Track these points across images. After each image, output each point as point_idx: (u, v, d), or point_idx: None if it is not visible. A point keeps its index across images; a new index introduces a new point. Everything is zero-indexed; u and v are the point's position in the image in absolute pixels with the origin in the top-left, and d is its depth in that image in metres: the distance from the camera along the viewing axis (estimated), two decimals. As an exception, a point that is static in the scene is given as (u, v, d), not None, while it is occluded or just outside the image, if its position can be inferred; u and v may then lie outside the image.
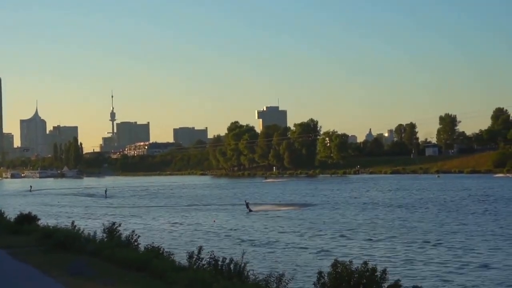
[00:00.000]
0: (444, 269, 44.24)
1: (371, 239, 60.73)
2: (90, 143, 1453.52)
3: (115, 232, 37.38)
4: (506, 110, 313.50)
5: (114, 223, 38.12)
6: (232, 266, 26.64)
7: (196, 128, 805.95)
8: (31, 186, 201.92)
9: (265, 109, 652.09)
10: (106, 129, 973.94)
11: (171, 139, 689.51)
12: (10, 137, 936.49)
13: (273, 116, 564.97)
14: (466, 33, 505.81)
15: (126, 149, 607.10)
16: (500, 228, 67.08)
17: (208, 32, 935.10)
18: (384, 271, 22.15)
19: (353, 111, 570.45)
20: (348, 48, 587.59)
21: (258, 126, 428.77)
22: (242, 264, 26.74)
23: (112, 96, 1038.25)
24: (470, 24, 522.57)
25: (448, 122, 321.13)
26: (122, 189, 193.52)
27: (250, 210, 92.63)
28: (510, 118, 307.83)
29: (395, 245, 56.56)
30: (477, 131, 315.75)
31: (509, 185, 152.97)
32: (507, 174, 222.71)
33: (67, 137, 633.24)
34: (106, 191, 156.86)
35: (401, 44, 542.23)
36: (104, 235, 37.67)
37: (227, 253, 43.69)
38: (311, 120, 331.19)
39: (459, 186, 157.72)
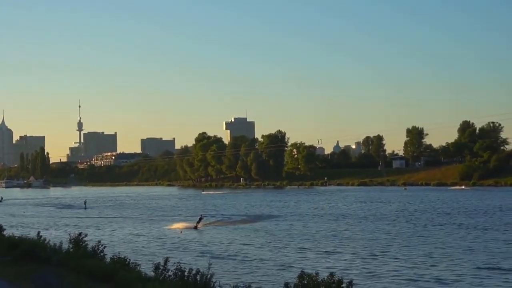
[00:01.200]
0: (404, 281, 44.65)
1: (334, 251, 61.12)
2: (57, 153, 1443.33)
3: (81, 243, 37.18)
4: (473, 123, 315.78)
5: (80, 234, 37.92)
6: (198, 277, 26.64)
7: (163, 139, 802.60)
8: (1, 198, 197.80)
9: (233, 120, 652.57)
10: (73, 139, 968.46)
11: (138, 150, 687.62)
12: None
13: (241, 127, 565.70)
14: (432, 46, 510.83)
15: (93, 159, 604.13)
16: (462, 240, 67.74)
17: (175, 43, 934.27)
18: (350, 283, 22.27)
19: (320, 123, 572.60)
20: (315, 62, 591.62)
21: (226, 137, 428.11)
22: (209, 276, 26.75)
23: (79, 106, 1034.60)
24: (436, 38, 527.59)
25: (415, 134, 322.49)
26: (94, 200, 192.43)
27: (196, 227, 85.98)
28: (477, 131, 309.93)
29: (359, 256, 56.95)
30: (444, 144, 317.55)
31: (471, 197, 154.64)
32: (462, 187, 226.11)
33: (34, 147, 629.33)
34: (85, 202, 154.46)
35: (368, 57, 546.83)
36: (70, 245, 37.47)
37: (194, 264, 43.68)
38: (279, 131, 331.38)
39: (424, 198, 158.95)
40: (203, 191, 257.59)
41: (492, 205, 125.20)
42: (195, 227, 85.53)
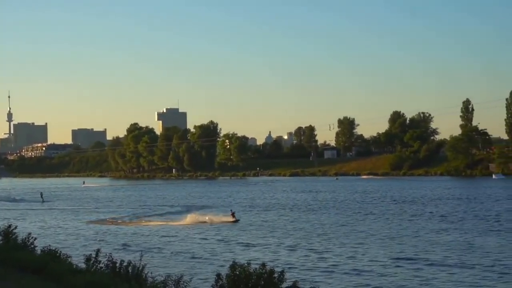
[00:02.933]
0: (337, 270, 45.10)
1: (267, 242, 61.37)
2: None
3: (11, 235, 36.61)
4: (403, 114, 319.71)
5: (10, 225, 37.31)
6: (130, 268, 26.49)
7: (95, 130, 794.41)
8: None
9: (165, 111, 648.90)
10: (3, 130, 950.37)
11: (69, 141, 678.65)
12: None
13: (173, 118, 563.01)
14: (360, 38, 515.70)
15: (23, 150, 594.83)
16: (390, 229, 68.66)
17: (108, 31, 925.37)
18: (282, 273, 22.33)
19: (253, 114, 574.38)
20: (248, 51, 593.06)
21: (158, 128, 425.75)
22: (140, 267, 26.61)
23: (9, 97, 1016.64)
24: (364, 29, 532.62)
25: (347, 125, 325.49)
26: (23, 191, 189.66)
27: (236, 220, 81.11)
28: (407, 121, 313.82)
29: (290, 246, 57.33)
30: (375, 134, 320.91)
31: (395, 186, 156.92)
32: (369, 176, 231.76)
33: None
34: (42, 194, 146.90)
35: (299, 46, 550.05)
36: (0, 237, 36.87)
37: (126, 257, 43.41)
38: (211, 122, 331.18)
39: (357, 188, 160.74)
40: (83, 183, 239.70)
41: (421, 194, 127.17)
42: (235, 221, 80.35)
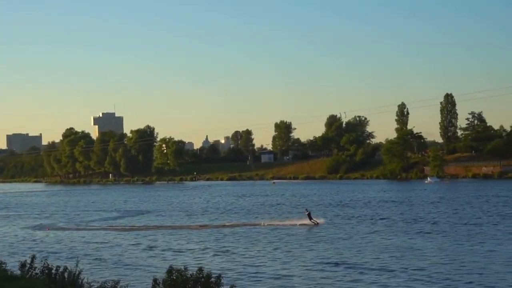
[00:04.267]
0: (269, 274, 45.36)
1: (204, 247, 61.45)
2: None
3: None
4: (340, 117, 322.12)
5: None
6: (66, 274, 26.30)
7: (30, 135, 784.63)
8: None
9: (101, 115, 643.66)
10: None
11: (3, 145, 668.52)
12: None
13: (109, 123, 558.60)
14: (295, 41, 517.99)
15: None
16: (325, 233, 69.19)
17: (42, 34, 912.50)
18: (219, 277, 22.44)
19: (190, 118, 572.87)
20: (184, 55, 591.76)
21: (94, 133, 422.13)
22: (77, 273, 26.45)
23: None
24: (299, 33, 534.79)
25: (283, 129, 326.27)
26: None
27: (317, 223, 76.79)
28: (344, 125, 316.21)
29: (226, 251, 57.48)
30: (312, 138, 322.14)
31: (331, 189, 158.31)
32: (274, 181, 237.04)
33: None
34: None
35: (235, 50, 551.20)
36: None
37: (62, 262, 43.03)
38: (148, 126, 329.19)
39: (294, 191, 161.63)
40: None
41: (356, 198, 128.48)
42: (316, 224, 76.62)
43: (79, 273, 26.62)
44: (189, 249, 59.31)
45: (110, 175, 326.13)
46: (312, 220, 76.83)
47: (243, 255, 54.76)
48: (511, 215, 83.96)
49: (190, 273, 22.33)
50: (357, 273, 44.78)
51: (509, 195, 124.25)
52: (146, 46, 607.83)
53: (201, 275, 22.15)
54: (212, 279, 22.23)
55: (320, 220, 78.95)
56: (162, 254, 57.01)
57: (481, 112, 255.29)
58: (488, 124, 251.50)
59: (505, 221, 76.35)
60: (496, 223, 74.28)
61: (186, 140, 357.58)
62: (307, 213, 78.77)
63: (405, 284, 41.12)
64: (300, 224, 76.54)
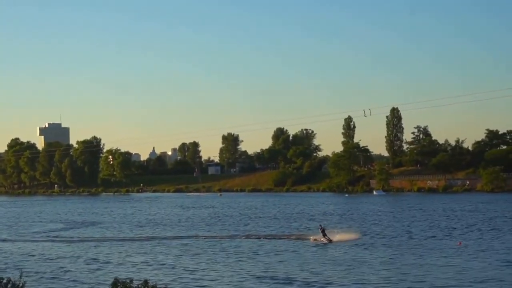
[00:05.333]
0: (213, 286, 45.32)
1: (154, 258, 61.19)
2: None
3: None
4: (286, 130, 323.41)
5: None
6: (9, 286, 25.98)
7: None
8: None
9: (47, 125, 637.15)
10: None
11: None
12: None
13: (55, 133, 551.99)
14: (245, 52, 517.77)
15: None
16: (270, 246, 69.32)
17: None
18: (164, 289, 22.37)
19: (137, 129, 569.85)
20: (131, 66, 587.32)
21: (40, 143, 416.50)
22: (20, 284, 26.14)
23: None
24: (247, 45, 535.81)
25: (231, 141, 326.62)
26: None
27: (330, 240, 70.80)
28: (290, 138, 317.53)
29: (172, 264, 57.28)
30: (259, 150, 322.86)
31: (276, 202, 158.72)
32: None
33: None
34: None
35: (185, 62, 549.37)
36: None
37: (5, 273, 42.51)
38: (94, 137, 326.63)
39: (240, 204, 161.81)
40: None
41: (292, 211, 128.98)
42: (330, 241, 70.23)
43: (23, 285, 26.30)
44: (135, 261, 58.94)
45: (56, 186, 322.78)
46: (326, 237, 70.80)
47: (190, 267, 54.56)
48: (454, 228, 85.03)
49: (136, 285, 22.22)
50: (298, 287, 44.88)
51: (454, 208, 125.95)
52: (91, 57, 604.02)
53: (146, 287, 22.06)
54: (158, 291, 22.14)
55: (336, 237, 72.01)
56: (107, 266, 56.58)
57: (427, 126, 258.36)
58: (433, 138, 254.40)
59: (445, 235, 77.27)
60: (441, 237, 75.06)
61: (133, 152, 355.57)
62: (321, 229, 72.69)
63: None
64: (314, 240, 71.63)
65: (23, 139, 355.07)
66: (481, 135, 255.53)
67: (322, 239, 70.54)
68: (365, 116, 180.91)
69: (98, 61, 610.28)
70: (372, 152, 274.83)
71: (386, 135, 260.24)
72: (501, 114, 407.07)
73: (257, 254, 62.04)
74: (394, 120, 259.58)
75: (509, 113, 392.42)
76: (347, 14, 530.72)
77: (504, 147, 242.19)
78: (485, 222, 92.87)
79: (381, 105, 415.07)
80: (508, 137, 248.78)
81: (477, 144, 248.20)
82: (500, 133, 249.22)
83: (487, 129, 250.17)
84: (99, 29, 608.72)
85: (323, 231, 71.74)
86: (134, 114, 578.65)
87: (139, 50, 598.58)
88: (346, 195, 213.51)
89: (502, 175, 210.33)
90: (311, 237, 73.11)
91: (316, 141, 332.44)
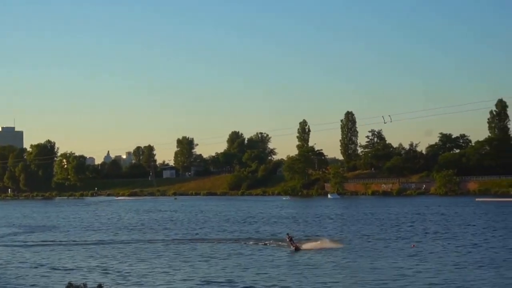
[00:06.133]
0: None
1: (102, 261, 60.90)
2: None
3: None
4: (241, 134, 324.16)
5: None
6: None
7: None
8: None
9: (0, 129, 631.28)
10: None
11: None
12: None
13: (8, 137, 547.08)
14: (196, 60, 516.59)
15: None
16: (224, 250, 69.39)
17: None
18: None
19: (91, 133, 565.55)
20: (85, 69, 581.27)
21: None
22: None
23: None
24: (201, 53, 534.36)
25: (186, 145, 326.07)
26: None
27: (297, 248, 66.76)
28: (246, 141, 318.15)
29: (124, 265, 57.12)
30: (214, 154, 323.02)
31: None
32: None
33: None
34: None
35: (139, 68, 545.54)
36: None
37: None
38: (48, 141, 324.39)
39: (195, 207, 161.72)
40: None
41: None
42: (297, 248, 66.35)
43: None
44: (89, 266, 58.54)
45: (9, 190, 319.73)
46: (293, 244, 66.97)
47: (143, 271, 54.35)
48: (408, 231, 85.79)
49: (89, 289, 22.20)
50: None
51: (407, 211, 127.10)
52: (47, 60, 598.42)
53: (99, 291, 22.04)
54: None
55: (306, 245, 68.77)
56: (60, 270, 56.08)
57: (381, 130, 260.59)
58: (387, 142, 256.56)
59: (398, 238, 77.91)
60: (395, 240, 75.63)
61: (87, 155, 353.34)
62: (288, 238, 69.18)
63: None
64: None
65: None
66: (434, 139, 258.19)
67: (291, 247, 66.86)
68: (384, 122, 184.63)
69: (52, 65, 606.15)
70: (327, 155, 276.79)
71: (340, 138, 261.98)
72: (454, 119, 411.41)
73: (211, 258, 61.98)
74: (349, 124, 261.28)
75: (462, 117, 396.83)
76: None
77: (457, 150, 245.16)
78: (437, 225, 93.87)
79: (336, 109, 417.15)
80: (461, 141, 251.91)
81: (431, 147, 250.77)
82: (453, 137, 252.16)
83: (440, 133, 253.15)
84: (52, 29, 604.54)
85: (290, 239, 68.31)
86: (89, 118, 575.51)
87: (97, 54, 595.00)
88: (283, 198, 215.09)
89: (455, 178, 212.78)
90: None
91: (270, 145, 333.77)
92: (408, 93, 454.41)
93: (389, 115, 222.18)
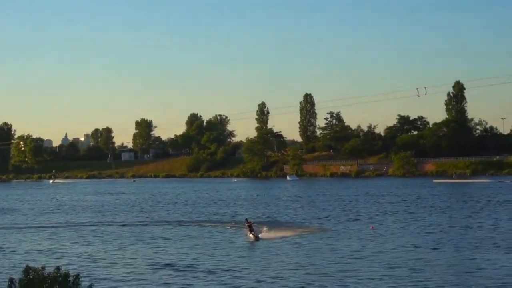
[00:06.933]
0: (139, 270, 45.16)
1: (63, 244, 60.61)
2: None
3: None
4: (200, 116, 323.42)
5: None
6: None
7: None
8: None
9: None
10: None
11: None
12: None
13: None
14: (157, 40, 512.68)
15: None
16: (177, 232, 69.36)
17: None
18: (77, 276, 22.16)
19: (48, 115, 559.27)
20: (42, 49, 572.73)
21: None
22: None
23: None
24: (161, 33, 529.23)
25: (144, 127, 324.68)
26: None
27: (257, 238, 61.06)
28: (204, 123, 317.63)
29: (83, 248, 56.87)
30: (173, 136, 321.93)
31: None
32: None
33: None
34: None
35: (99, 50, 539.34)
36: None
37: None
38: (5, 123, 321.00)
39: (153, 190, 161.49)
40: None
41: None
42: (257, 238, 61.11)
43: None
44: (46, 249, 58.22)
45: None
46: (252, 233, 61.80)
47: (104, 254, 54.18)
48: (367, 213, 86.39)
49: (48, 272, 21.96)
50: (206, 274, 44.63)
51: (365, 192, 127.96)
52: (3, 40, 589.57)
53: (58, 274, 21.82)
54: (70, 278, 21.94)
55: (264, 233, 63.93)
56: (17, 254, 55.66)
57: (339, 112, 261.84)
58: (346, 124, 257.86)
59: (357, 220, 78.49)
60: (353, 222, 76.18)
61: (45, 138, 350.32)
62: (247, 224, 63.46)
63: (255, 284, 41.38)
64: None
65: None
66: (392, 121, 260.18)
67: (249, 235, 61.99)
68: (418, 95, 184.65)
69: (10, 45, 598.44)
70: (286, 137, 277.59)
71: (299, 120, 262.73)
72: (411, 100, 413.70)
73: (168, 240, 61.92)
74: (308, 106, 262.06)
75: (419, 99, 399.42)
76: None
77: (415, 132, 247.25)
78: (395, 207, 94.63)
79: (295, 92, 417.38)
80: (418, 122, 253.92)
81: (389, 129, 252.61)
82: (411, 118, 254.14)
83: (399, 115, 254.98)
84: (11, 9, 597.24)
85: (250, 226, 62.61)
86: (46, 100, 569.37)
87: (54, 33, 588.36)
88: (235, 180, 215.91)
89: (413, 160, 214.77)
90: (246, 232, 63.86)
91: (229, 127, 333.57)
92: (368, 75, 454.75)
93: (424, 87, 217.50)
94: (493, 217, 76.02)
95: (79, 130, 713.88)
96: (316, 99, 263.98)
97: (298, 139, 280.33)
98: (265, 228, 66.35)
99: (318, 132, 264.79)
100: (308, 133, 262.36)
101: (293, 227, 69.99)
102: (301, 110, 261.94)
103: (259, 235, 62.09)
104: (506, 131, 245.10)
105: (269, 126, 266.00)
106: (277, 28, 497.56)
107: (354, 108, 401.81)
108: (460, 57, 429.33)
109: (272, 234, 63.94)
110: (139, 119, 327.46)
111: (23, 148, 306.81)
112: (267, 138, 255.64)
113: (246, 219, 66.12)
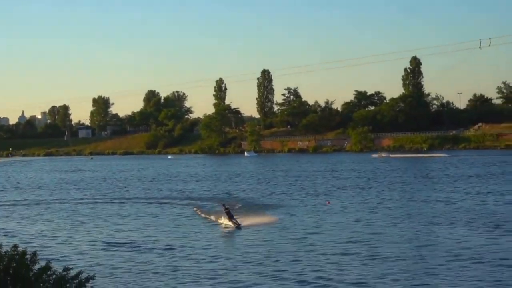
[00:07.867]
0: (84, 250, 45.19)
1: (21, 222, 60.40)
2: None
3: None
4: (158, 93, 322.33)
5: None
6: None
7: None
8: None
9: None
10: None
11: None
12: None
13: None
14: (124, 11, 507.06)
15: None
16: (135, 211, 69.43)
17: None
18: (34, 254, 22.19)
19: (4, 93, 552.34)
20: (6, 30, 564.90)
21: None
22: None
23: None
24: (131, 5, 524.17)
25: (101, 104, 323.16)
26: None
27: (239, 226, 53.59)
28: (162, 100, 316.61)
29: (40, 226, 56.72)
30: (130, 113, 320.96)
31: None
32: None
33: None
34: None
35: (52, 25, 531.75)
36: None
37: None
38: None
39: (112, 167, 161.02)
40: None
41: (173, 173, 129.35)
42: (238, 226, 53.50)
43: None
44: (4, 227, 58.00)
45: None
46: (232, 220, 54.50)
47: (62, 232, 54.05)
48: (325, 188, 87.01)
49: (4, 250, 21.99)
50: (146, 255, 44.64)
51: (322, 168, 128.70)
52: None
53: (16, 252, 21.84)
54: (28, 256, 21.98)
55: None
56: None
57: (297, 87, 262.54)
58: (303, 100, 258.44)
59: (314, 195, 79.00)
60: (311, 197, 76.64)
61: (1, 116, 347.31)
62: (225, 210, 56.25)
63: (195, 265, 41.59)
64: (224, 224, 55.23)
65: None
66: (350, 96, 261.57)
67: (228, 223, 54.57)
68: (480, 47, 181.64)
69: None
70: (244, 114, 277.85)
71: (257, 96, 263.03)
72: (369, 76, 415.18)
73: (124, 217, 61.81)
74: (265, 82, 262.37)
75: (377, 75, 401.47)
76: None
77: (372, 108, 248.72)
78: (352, 181, 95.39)
79: (253, 67, 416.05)
80: (376, 98, 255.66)
81: (346, 105, 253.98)
82: (368, 94, 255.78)
83: (356, 90, 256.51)
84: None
85: (228, 213, 55.42)
86: (1, 77, 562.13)
87: (10, 12, 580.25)
88: (170, 157, 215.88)
89: (370, 135, 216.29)
90: (212, 217, 59.15)
91: (187, 103, 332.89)
92: (323, 47, 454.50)
93: (489, 38, 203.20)
94: (448, 191, 76.99)
95: (36, 108, 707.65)
96: (273, 74, 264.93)
97: (256, 115, 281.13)
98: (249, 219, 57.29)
99: (275, 108, 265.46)
100: (266, 109, 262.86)
101: (250, 205, 70.00)
102: (258, 86, 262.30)
103: (241, 224, 54.13)
104: (462, 106, 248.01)
105: (227, 102, 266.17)
106: (233, 6, 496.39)
107: (313, 81, 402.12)
108: (415, 31, 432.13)
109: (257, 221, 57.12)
110: (96, 96, 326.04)
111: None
112: (225, 114, 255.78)
113: (223, 204, 58.99)
